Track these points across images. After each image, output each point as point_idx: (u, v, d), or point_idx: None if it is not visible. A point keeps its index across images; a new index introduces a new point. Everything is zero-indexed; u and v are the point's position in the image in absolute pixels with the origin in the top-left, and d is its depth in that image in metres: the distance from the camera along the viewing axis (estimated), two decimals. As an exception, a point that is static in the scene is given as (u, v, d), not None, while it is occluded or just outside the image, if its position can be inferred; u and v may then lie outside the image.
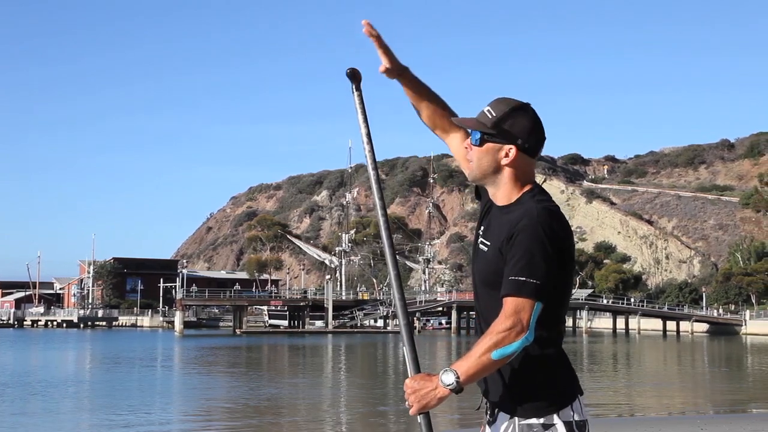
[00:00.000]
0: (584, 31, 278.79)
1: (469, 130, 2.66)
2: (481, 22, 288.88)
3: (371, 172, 2.78)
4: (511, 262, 2.44)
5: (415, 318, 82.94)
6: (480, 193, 2.84)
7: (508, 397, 2.54)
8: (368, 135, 2.80)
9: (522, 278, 2.40)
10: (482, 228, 2.70)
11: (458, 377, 2.38)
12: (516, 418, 2.53)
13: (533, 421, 2.51)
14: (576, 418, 2.54)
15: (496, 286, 2.51)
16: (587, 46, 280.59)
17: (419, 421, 2.48)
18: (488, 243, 2.60)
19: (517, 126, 2.61)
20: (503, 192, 2.64)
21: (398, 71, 2.84)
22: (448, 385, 2.38)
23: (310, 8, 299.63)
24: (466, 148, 2.69)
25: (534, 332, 2.41)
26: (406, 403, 2.44)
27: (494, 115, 2.60)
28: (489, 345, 2.37)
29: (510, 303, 2.41)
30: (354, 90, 2.80)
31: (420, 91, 2.89)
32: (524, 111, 2.63)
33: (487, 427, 2.65)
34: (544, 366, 2.54)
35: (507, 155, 2.61)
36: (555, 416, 2.51)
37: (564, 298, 2.58)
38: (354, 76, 2.79)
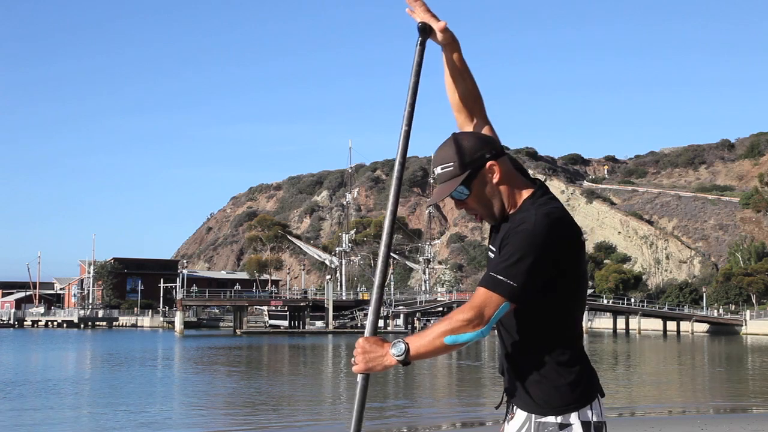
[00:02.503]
0: (584, 31, 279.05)
1: (452, 194, 2.60)
2: (481, 22, 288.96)
3: (402, 130, 2.68)
4: (498, 259, 2.46)
5: (415, 318, 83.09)
6: None
7: (526, 394, 2.55)
8: (415, 87, 2.69)
9: (500, 277, 2.41)
10: (492, 235, 2.73)
11: (408, 350, 2.42)
12: (533, 416, 2.53)
13: (550, 419, 2.50)
14: (594, 419, 2.53)
15: None
16: (587, 46, 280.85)
17: (358, 380, 2.52)
18: (494, 251, 2.62)
19: (471, 149, 2.59)
20: (510, 203, 2.62)
21: (450, 38, 2.79)
22: (396, 356, 2.42)
23: (310, 8, 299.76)
24: (464, 209, 2.67)
25: (490, 328, 2.44)
26: (353, 359, 2.48)
27: (453, 162, 2.58)
28: (445, 330, 2.40)
29: (480, 295, 2.42)
30: (419, 44, 2.73)
31: (463, 67, 2.84)
32: (460, 138, 2.63)
33: (506, 424, 2.66)
34: (562, 365, 2.54)
35: (493, 172, 2.60)
36: (573, 415, 2.50)
37: (580, 296, 2.58)
38: (427, 30, 2.74)
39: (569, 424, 2.49)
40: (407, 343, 2.43)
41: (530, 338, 2.55)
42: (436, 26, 2.75)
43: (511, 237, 2.46)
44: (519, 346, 2.57)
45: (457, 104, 2.89)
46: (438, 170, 2.62)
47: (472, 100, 2.88)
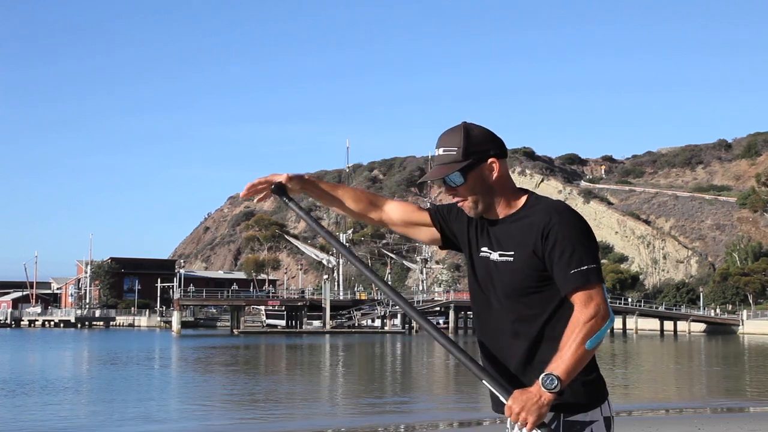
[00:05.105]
0: (583, 31, 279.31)
1: (445, 178, 2.57)
2: (481, 22, 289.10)
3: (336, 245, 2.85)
4: (563, 258, 2.45)
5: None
6: (445, 219, 2.78)
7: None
8: (318, 224, 2.89)
9: (583, 267, 2.43)
10: (485, 246, 2.64)
11: (559, 378, 2.38)
12: (561, 415, 2.52)
13: (578, 417, 2.51)
14: (612, 414, 2.57)
15: (530, 291, 2.52)
16: (585, 46, 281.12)
17: None
18: (511, 253, 2.56)
19: (478, 140, 2.58)
20: (503, 204, 2.60)
21: (301, 181, 2.87)
22: (552, 389, 2.37)
23: (310, 8, 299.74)
24: (452, 195, 2.63)
25: (611, 311, 2.46)
26: (517, 425, 2.42)
27: (457, 148, 2.55)
28: (580, 338, 2.40)
29: (581, 295, 2.43)
30: (287, 201, 2.89)
31: (331, 189, 2.89)
32: (471, 127, 2.60)
33: (515, 428, 2.59)
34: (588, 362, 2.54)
35: (492, 170, 2.58)
36: (597, 412, 2.53)
37: None
38: (281, 189, 2.87)
39: (594, 421, 2.52)
40: (552, 373, 2.38)
41: (557, 336, 2.50)
42: (283, 179, 2.85)
43: (557, 233, 2.46)
44: (544, 348, 2.53)
45: (356, 214, 2.92)
46: (440, 151, 2.59)
47: (365, 203, 2.90)
